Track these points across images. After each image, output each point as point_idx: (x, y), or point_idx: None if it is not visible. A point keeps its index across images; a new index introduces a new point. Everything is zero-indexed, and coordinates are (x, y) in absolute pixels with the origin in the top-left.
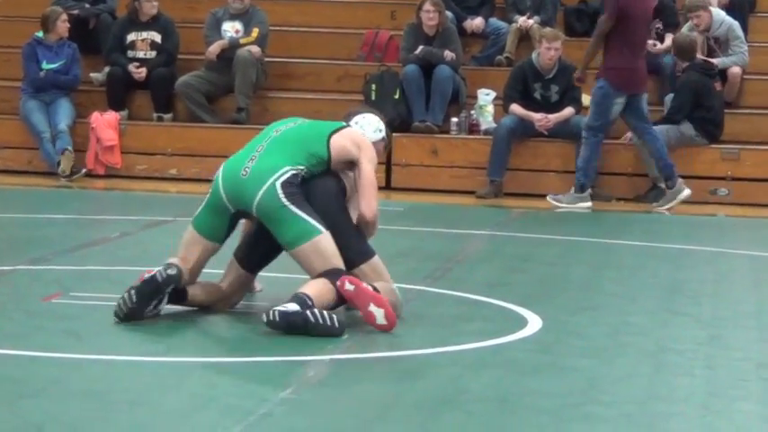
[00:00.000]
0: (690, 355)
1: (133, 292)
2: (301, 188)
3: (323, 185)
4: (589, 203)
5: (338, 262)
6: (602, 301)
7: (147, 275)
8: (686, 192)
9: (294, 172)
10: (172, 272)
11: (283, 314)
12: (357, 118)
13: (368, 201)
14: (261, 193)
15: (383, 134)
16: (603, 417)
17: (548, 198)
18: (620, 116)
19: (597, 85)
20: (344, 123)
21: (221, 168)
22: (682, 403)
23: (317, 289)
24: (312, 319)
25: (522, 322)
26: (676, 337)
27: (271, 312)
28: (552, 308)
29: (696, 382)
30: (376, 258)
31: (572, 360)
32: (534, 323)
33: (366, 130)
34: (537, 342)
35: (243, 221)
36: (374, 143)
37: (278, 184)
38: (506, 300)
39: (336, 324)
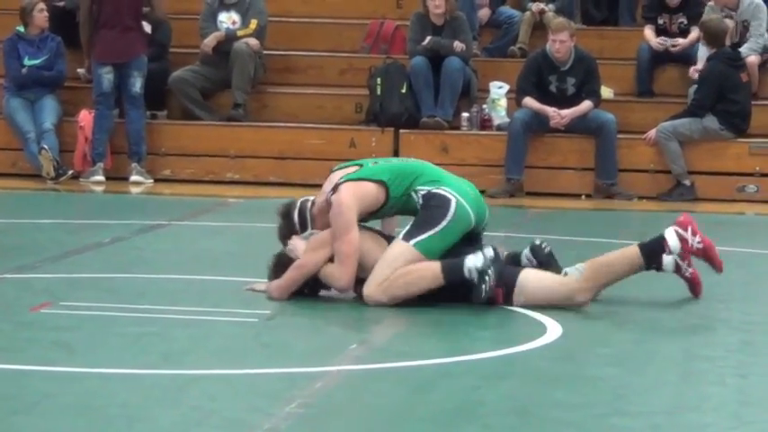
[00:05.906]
0: (720, 362)
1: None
2: None
3: None
4: (101, 177)
5: None
6: (626, 307)
7: (488, 253)
8: (99, 177)
9: None
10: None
11: None
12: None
13: None
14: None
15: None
16: (630, 428)
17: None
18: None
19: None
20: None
21: (456, 194)
22: (713, 413)
23: None
24: None
25: (540, 329)
26: (706, 344)
27: None
28: (573, 314)
29: (727, 390)
30: None
31: (596, 369)
32: (554, 330)
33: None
34: (558, 350)
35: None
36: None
37: None
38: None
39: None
